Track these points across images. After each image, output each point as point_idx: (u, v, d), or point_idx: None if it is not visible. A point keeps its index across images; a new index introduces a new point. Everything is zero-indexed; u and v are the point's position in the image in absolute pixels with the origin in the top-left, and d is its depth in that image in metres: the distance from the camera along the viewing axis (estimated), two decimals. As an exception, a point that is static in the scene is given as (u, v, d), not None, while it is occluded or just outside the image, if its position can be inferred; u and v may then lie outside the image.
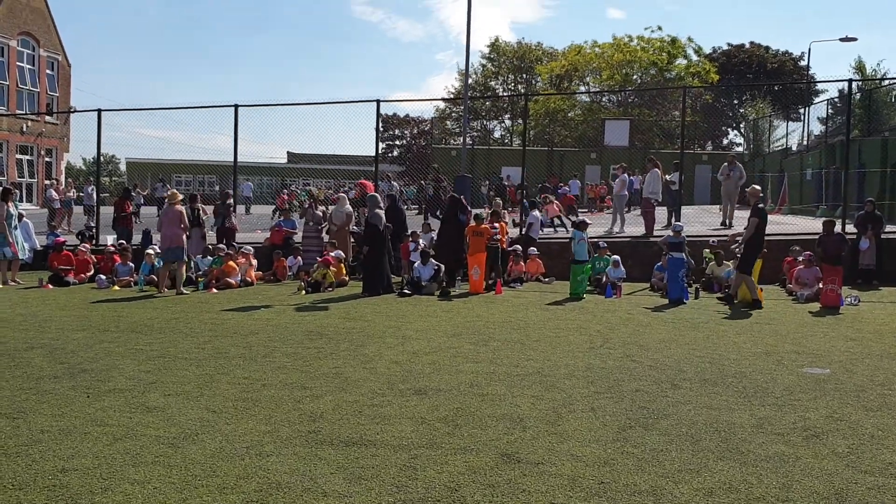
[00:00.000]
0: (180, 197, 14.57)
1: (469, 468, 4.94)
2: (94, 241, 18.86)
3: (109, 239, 18.37)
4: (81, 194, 27.92)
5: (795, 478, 4.76)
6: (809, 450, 5.31)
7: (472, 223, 14.66)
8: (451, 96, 69.29)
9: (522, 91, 66.68)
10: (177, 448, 5.30)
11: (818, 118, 38.34)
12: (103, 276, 15.27)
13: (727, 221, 19.34)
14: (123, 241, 17.29)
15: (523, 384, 7.21)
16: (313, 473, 4.83)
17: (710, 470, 4.90)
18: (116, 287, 14.83)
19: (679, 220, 18.64)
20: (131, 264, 15.65)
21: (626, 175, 19.69)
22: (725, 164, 20.03)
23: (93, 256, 16.43)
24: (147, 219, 22.75)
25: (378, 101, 19.07)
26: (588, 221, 15.02)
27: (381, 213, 14.12)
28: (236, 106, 19.28)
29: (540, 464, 5.02)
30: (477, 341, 9.37)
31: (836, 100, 35.79)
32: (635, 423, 5.91)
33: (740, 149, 54.36)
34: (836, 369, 7.91)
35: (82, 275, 15.77)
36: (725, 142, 63.83)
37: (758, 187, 13.59)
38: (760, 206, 12.85)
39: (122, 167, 71.61)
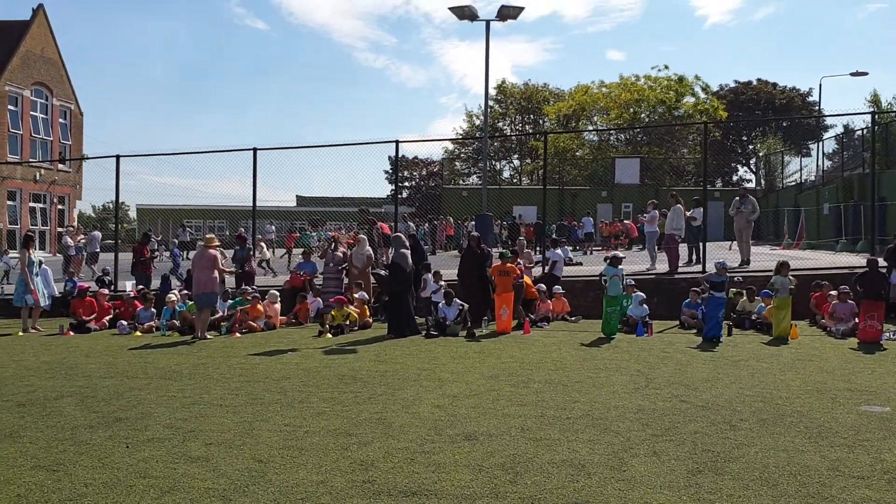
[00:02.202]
0: (216, 242, 14.37)
1: (541, 519, 4.67)
2: (112, 287, 18.68)
3: (128, 285, 18.20)
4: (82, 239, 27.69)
5: (892, 525, 4.49)
6: (897, 494, 5.03)
7: (498, 262, 14.42)
8: (459, 137, 69.69)
9: (535, 130, 66.93)
10: (229, 501, 5.05)
11: (825, 154, 38.31)
12: (125, 322, 15.05)
13: (746, 258, 18.62)
14: (143, 287, 17.11)
15: (576, 427, 6.94)
16: (378, 527, 4.57)
17: (798, 517, 4.62)
18: (138, 333, 14.61)
19: (700, 257, 18.40)
20: (153, 310, 15.44)
21: (656, 212, 19.44)
22: (737, 198, 19.12)
23: (110, 303, 16.24)
24: (159, 263, 22.60)
25: (397, 142, 19.03)
26: (621, 255, 14.65)
27: (407, 253, 13.93)
28: (255, 149, 19.21)
29: (615, 513, 4.75)
30: (516, 383, 9.11)
31: (841, 135, 35.85)
32: (704, 468, 5.64)
33: (751, 184, 54.38)
34: (895, 407, 7.63)
35: (103, 321, 15.56)
36: (735, 178, 63.85)
37: None
38: None
39: (132, 213, 71.91)
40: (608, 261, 14.10)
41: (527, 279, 15.48)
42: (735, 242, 19.78)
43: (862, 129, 30.25)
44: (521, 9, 19.02)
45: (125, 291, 17.42)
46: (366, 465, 5.81)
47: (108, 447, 6.43)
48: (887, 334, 12.65)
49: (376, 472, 5.63)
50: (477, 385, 9.01)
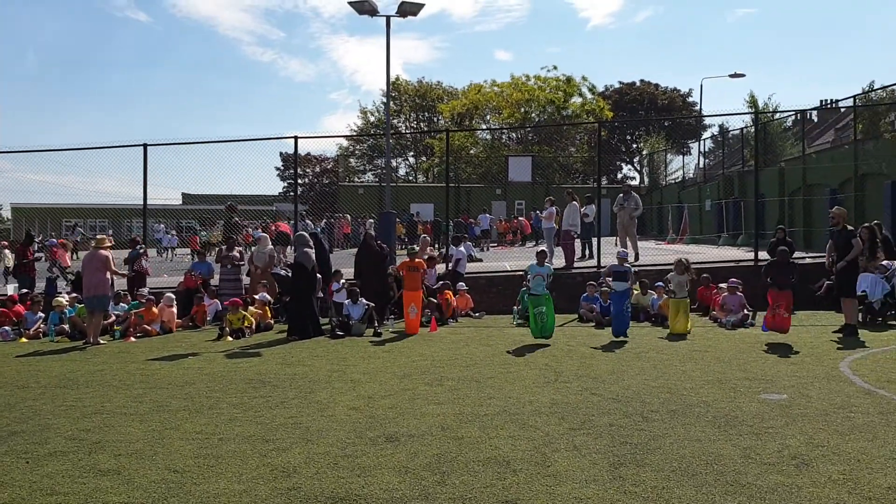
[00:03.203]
0: (108, 242, 13.73)
1: (475, 519, 4.66)
2: (-11, 292, 17.56)
3: (9, 288, 17.15)
4: None
5: (807, 508, 4.71)
6: (807, 478, 5.29)
7: (405, 258, 14.29)
8: (354, 133, 69.15)
9: (431, 128, 67.19)
10: (148, 516, 4.81)
11: (703, 152, 40.10)
12: (8, 329, 14.14)
13: (636, 254, 19.04)
14: (27, 290, 16.16)
15: (495, 424, 6.98)
16: (311, 536, 4.45)
17: (721, 506, 4.79)
18: (24, 339, 13.78)
19: (594, 253, 18.90)
20: (41, 314, 14.59)
21: (554, 208, 19.80)
22: (621, 195, 19.51)
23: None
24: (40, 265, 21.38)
25: (296, 138, 18.70)
26: (546, 251, 13.63)
27: (311, 252, 13.68)
28: (145, 145, 18.46)
29: (546, 509, 4.80)
30: (430, 381, 9.09)
31: (718, 135, 37.64)
32: (625, 461, 5.77)
33: (635, 182, 56.36)
34: (792, 394, 8.03)
35: (-19, 328, 14.58)
36: (620, 176, 66.00)
37: (844, 209, 13.72)
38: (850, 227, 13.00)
39: (5, 213, 67.83)
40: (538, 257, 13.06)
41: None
42: (618, 238, 19.89)
43: (741, 129, 31.83)
44: (422, 5, 19.04)
45: (5, 295, 16.41)
46: (288, 472, 5.66)
47: (5, 464, 6.02)
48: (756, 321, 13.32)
49: (300, 479, 5.49)
50: (391, 385, 8.94)
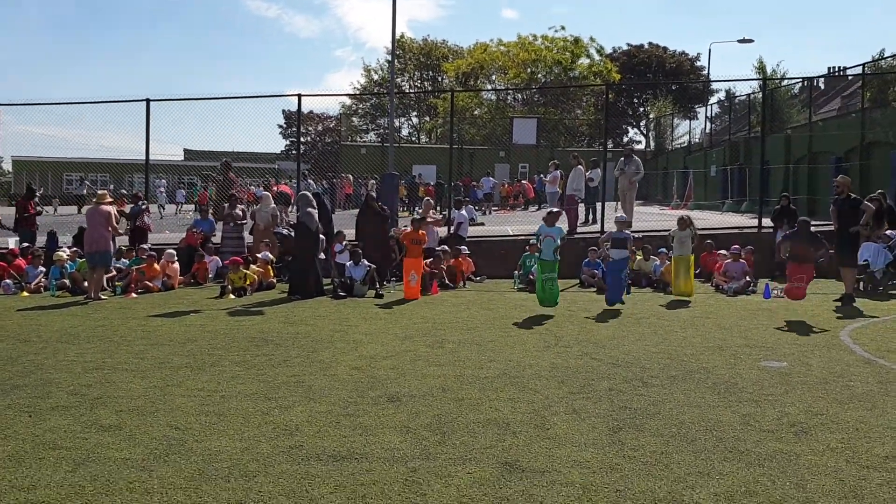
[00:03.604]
0: (109, 198, 13.70)
1: (474, 480, 4.69)
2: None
3: (11, 241, 17.13)
4: None
5: (806, 477, 4.73)
6: (805, 446, 5.31)
7: (409, 228, 14.08)
8: (357, 92, 68.62)
9: (436, 87, 66.63)
10: (150, 472, 4.84)
11: (709, 117, 39.80)
12: (9, 282, 14.17)
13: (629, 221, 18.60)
14: (28, 244, 16.15)
15: (495, 386, 7.01)
16: (312, 494, 4.47)
17: (719, 473, 4.81)
18: (25, 293, 13.81)
19: (597, 217, 18.78)
20: (42, 268, 14.60)
21: (558, 172, 19.69)
22: (622, 158, 19.10)
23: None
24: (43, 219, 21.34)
25: (300, 95, 18.54)
26: (556, 210, 12.86)
27: (314, 212, 13.63)
28: (148, 100, 18.33)
29: (545, 472, 4.82)
30: (431, 343, 9.12)
31: (724, 101, 37.31)
32: (625, 425, 5.80)
33: (641, 146, 55.97)
34: (792, 362, 8.05)
35: (-17, 281, 14.60)
36: (626, 140, 65.55)
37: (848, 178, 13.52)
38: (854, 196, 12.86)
39: (6, 166, 67.62)
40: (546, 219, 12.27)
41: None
42: (620, 203, 19.56)
43: (748, 95, 31.58)
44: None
45: (6, 248, 16.39)
46: (290, 430, 5.69)
47: (8, 417, 6.05)
48: (775, 291, 13.34)
49: (302, 437, 5.52)
50: (392, 346, 8.97)
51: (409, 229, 14.00)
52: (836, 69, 38.45)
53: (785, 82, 29.91)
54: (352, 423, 5.85)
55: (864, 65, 24.22)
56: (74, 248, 15.36)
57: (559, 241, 11.84)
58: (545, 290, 11.67)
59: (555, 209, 12.96)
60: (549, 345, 9.08)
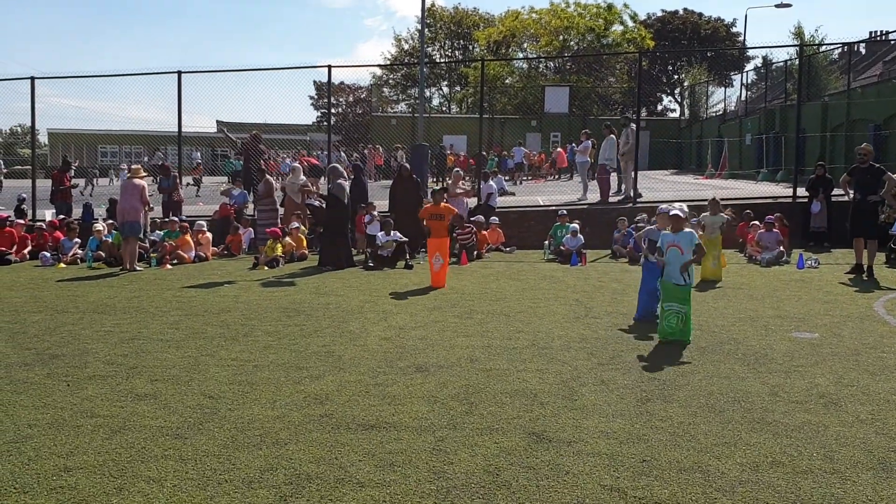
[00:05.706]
0: (143, 172, 13.90)
1: (501, 450, 4.74)
2: (28, 217, 17.89)
3: (48, 214, 17.47)
4: None
5: (833, 448, 4.71)
6: (834, 417, 5.28)
7: (429, 203, 12.97)
8: (388, 62, 68.36)
9: (466, 56, 66.15)
10: (184, 440, 4.95)
11: (745, 85, 39.03)
12: (47, 254, 14.47)
13: (628, 193, 17.91)
14: (64, 216, 16.45)
15: (523, 357, 7.04)
16: (341, 462, 4.56)
17: (746, 443, 4.80)
18: (62, 265, 14.09)
19: (633, 186, 18.53)
20: (78, 239, 14.88)
21: (589, 142, 19.49)
22: (624, 128, 18.27)
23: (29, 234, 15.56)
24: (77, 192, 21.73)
25: (329, 67, 18.56)
26: (675, 212, 8.12)
27: (346, 184, 13.69)
28: (179, 73, 18.44)
29: (573, 442, 4.85)
30: (460, 314, 9.16)
31: (761, 67, 36.51)
32: (653, 396, 5.80)
33: (675, 114, 55.19)
34: (824, 333, 7.97)
35: (23, 252, 14.92)
36: (660, 108, 64.71)
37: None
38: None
39: (42, 138, 68.60)
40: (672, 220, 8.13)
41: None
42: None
43: (785, 62, 30.90)
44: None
45: (43, 221, 16.72)
46: (321, 399, 5.78)
47: (47, 386, 6.22)
48: (809, 262, 13.17)
49: (332, 406, 5.61)
50: (421, 317, 9.03)
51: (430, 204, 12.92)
52: (879, 33, 37.45)
53: (823, 48, 29.14)
54: (380, 393, 5.93)
55: (906, 28, 23.53)
56: (111, 221, 15.62)
57: (692, 255, 7.77)
58: (672, 326, 7.71)
59: (674, 209, 8.13)
60: (579, 316, 9.08)
